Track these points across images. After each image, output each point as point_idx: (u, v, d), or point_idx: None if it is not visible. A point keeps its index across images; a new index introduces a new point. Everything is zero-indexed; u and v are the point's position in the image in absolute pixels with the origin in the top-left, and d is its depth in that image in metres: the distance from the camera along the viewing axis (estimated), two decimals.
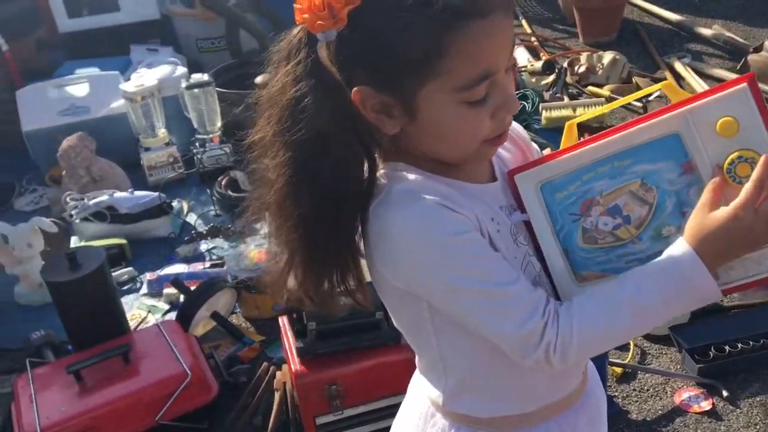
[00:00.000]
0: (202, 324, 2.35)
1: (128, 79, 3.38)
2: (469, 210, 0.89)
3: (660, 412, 2.09)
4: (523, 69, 3.88)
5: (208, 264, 2.70)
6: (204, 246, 2.84)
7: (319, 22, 0.82)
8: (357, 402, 1.83)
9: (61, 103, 3.38)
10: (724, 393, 2.10)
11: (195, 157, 3.23)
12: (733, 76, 3.70)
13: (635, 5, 4.62)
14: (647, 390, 2.17)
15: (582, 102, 3.57)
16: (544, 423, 1.05)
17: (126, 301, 2.55)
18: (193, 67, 3.81)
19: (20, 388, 1.90)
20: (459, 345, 0.98)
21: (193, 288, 2.37)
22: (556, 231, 0.96)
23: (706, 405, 2.09)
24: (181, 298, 2.44)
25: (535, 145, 1.12)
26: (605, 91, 3.73)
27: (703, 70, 3.84)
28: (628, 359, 2.25)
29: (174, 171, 3.27)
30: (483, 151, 0.92)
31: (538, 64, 3.84)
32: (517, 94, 3.60)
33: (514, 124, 1.04)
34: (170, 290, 2.55)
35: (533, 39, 4.41)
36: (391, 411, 1.67)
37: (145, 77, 3.33)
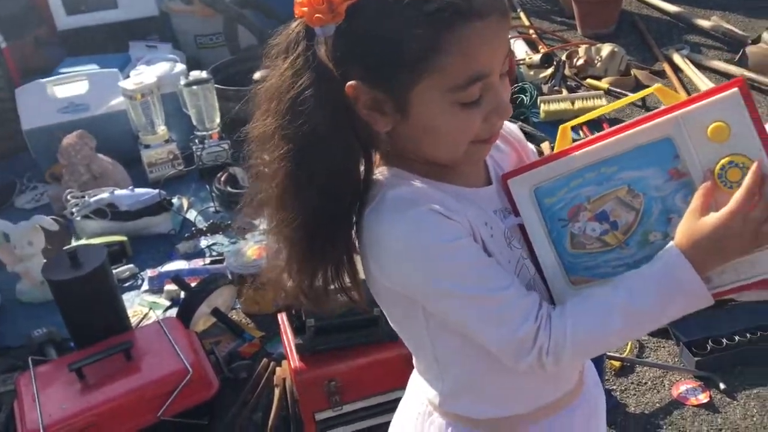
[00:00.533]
0: (202, 320, 2.37)
1: (127, 76, 3.39)
2: (462, 216, 0.90)
3: (658, 405, 2.11)
4: (521, 62, 3.88)
5: (208, 260, 2.72)
6: (204, 242, 2.85)
7: (317, 15, 0.83)
8: (355, 398, 1.84)
9: (61, 101, 3.40)
10: (722, 386, 2.12)
11: (194, 154, 3.25)
12: (732, 68, 3.71)
13: None
14: (645, 383, 2.19)
15: (580, 95, 3.57)
16: (540, 423, 1.06)
17: (127, 298, 2.57)
18: (192, 64, 3.82)
19: (23, 386, 1.91)
20: (454, 348, 0.99)
21: (193, 285, 2.39)
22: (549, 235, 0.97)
23: (703, 398, 2.10)
24: (182, 294, 2.46)
25: (531, 146, 1.12)
26: (603, 83, 3.74)
27: (701, 62, 3.84)
28: (626, 353, 2.27)
29: (174, 168, 3.28)
30: (473, 152, 0.92)
31: (536, 57, 3.85)
32: (516, 87, 3.60)
33: (509, 125, 1.05)
34: (171, 287, 2.57)
35: (531, 31, 4.41)
36: (390, 406, 1.69)
37: (144, 74, 3.34)
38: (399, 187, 0.91)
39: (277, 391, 1.98)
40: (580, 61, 3.88)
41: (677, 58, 3.85)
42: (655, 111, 0.90)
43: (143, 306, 2.58)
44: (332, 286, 0.95)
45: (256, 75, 0.97)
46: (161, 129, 3.31)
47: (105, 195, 2.90)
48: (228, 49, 4.18)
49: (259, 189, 0.94)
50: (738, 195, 0.84)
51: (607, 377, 2.16)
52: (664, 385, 2.16)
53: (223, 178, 3.06)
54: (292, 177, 0.89)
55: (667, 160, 0.90)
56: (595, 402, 1.15)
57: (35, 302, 2.63)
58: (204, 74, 3.31)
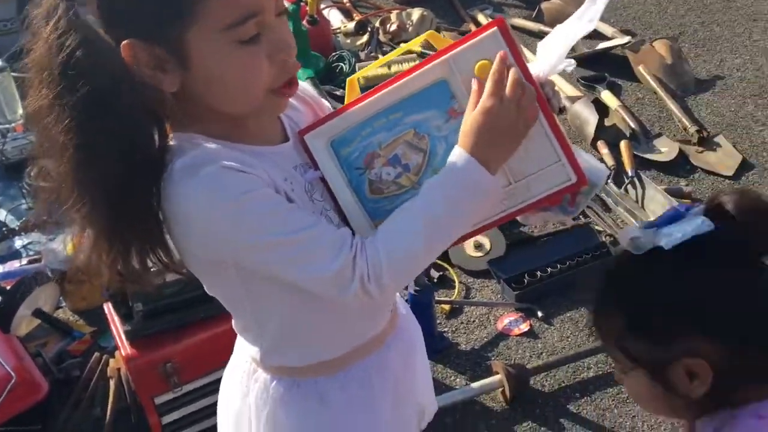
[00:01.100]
0: (24, 323, 2.23)
1: None
2: (260, 170, 0.90)
3: (486, 339, 2.27)
4: (337, 31, 3.93)
5: (25, 261, 2.54)
6: (19, 242, 2.66)
7: None
8: (195, 376, 1.83)
9: None
10: (540, 314, 2.32)
11: None
12: (530, 24, 3.98)
13: None
14: (473, 321, 2.34)
15: (396, 59, 3.68)
16: (358, 362, 1.10)
17: None
18: None
19: None
20: (271, 302, 1.01)
21: (8, 287, 2.23)
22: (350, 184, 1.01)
23: (524, 327, 2.29)
24: None
25: (326, 102, 1.15)
26: (418, 47, 3.88)
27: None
28: (454, 296, 2.41)
29: None
30: (271, 104, 0.92)
31: (351, 25, 3.91)
32: (334, 55, 3.64)
33: (302, 84, 1.07)
34: None
35: (345, 0, 4.47)
36: None
37: None
38: (189, 151, 0.89)
39: (112, 383, 1.92)
40: (393, 27, 3.99)
41: (482, 18, 4.07)
42: (429, 56, 0.96)
43: None
44: (150, 263, 0.92)
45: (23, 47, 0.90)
46: None
47: None
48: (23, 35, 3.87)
49: (48, 170, 0.90)
50: (489, 81, 0.90)
51: (438, 321, 2.30)
52: (490, 321, 2.33)
53: (33, 172, 2.85)
54: (80, 150, 0.85)
55: (445, 101, 0.96)
56: (410, 338, 1.22)
57: None
58: None
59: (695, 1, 4.10)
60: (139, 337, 1.77)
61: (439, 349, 2.21)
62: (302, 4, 3.53)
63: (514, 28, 3.96)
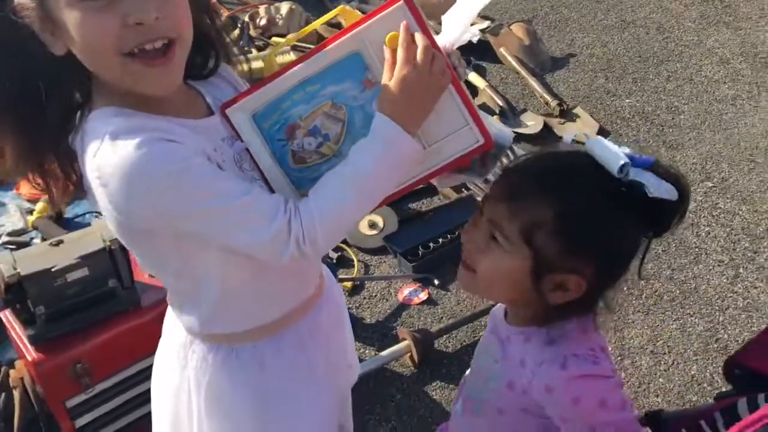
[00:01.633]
0: None
1: None
2: (192, 142, 0.94)
3: (389, 311, 2.37)
4: None
5: None
6: None
7: None
8: (107, 374, 1.79)
9: None
10: (436, 282, 2.45)
11: None
12: None
13: None
14: (375, 295, 2.44)
15: (270, 52, 3.71)
16: (293, 325, 1.16)
17: None
18: None
19: None
20: (209, 270, 1.04)
21: None
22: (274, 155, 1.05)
23: (423, 295, 2.42)
24: None
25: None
26: (290, 40, 3.92)
27: (367, 10, 4.20)
28: (354, 273, 2.50)
29: None
30: (135, 73, 0.91)
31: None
32: None
33: (226, 66, 1.10)
34: None
35: None
36: (145, 374, 1.69)
37: None
38: (116, 124, 0.91)
39: (16, 394, 1.84)
40: (263, 21, 4.01)
41: (348, 9, 4.17)
42: (343, 29, 1.02)
43: None
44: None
45: None
46: None
47: None
48: None
49: None
50: (400, 50, 0.97)
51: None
52: (390, 294, 2.44)
53: None
54: None
55: (360, 72, 1.01)
56: (336, 301, 1.29)
57: None
58: None
59: None
60: (44, 340, 1.71)
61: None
62: None
63: None
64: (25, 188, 2.73)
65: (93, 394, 1.79)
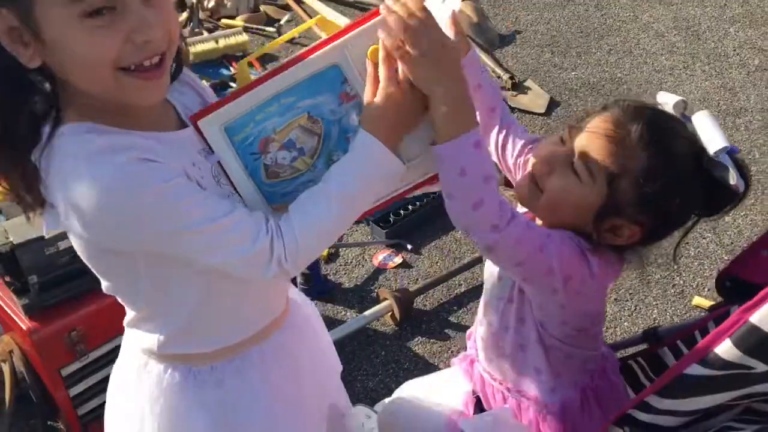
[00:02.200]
0: None
1: None
2: (169, 158, 0.90)
3: (366, 276, 2.44)
4: None
5: None
6: None
7: None
8: (102, 342, 1.80)
9: None
10: (409, 246, 2.53)
11: None
12: None
13: None
14: (351, 262, 2.51)
15: (222, 33, 3.70)
16: (256, 346, 1.12)
17: None
18: None
19: None
20: (177, 292, 1.01)
21: None
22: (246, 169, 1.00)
23: (398, 260, 2.50)
24: None
25: (209, 89, 1.12)
26: (239, 21, 3.92)
27: None
28: None
29: None
30: (127, 86, 0.87)
31: None
32: None
33: (186, 69, 1.05)
34: None
35: None
36: None
37: None
38: (91, 142, 0.87)
39: (6, 366, 1.83)
40: (212, 3, 4.00)
41: (328, 20, 4.20)
42: (321, 41, 0.98)
43: None
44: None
45: None
46: None
47: None
48: None
49: None
50: (383, 68, 0.95)
51: (320, 267, 2.42)
52: (366, 260, 2.51)
53: None
54: None
55: (337, 85, 0.98)
56: (307, 319, 1.26)
57: None
58: None
59: None
60: (38, 309, 1.71)
61: (325, 290, 2.34)
62: None
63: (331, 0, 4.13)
64: None
65: (87, 362, 1.80)
